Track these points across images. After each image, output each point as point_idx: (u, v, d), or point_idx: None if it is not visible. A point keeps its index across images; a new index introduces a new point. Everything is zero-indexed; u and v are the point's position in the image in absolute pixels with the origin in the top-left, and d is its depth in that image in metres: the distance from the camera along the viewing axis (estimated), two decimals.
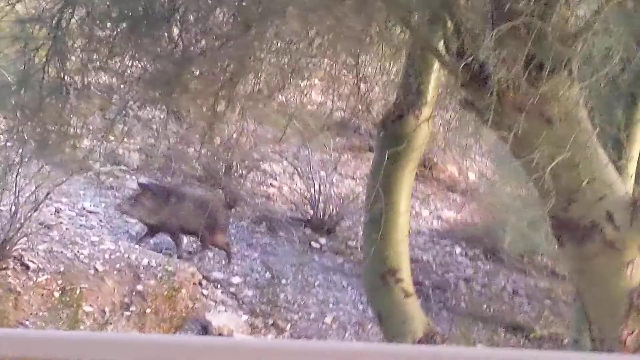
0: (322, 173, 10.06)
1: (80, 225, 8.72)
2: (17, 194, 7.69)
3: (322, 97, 9.49)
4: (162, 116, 7.89)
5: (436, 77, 5.03)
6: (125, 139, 8.79)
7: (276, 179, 10.69)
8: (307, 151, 9.98)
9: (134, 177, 9.62)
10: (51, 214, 8.64)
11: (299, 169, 10.22)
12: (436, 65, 4.91)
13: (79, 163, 8.17)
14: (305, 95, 7.32)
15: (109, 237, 8.65)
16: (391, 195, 4.94)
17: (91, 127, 5.97)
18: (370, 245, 4.96)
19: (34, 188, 7.81)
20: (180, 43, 4.86)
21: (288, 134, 9.92)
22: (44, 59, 5.11)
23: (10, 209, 7.72)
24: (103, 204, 9.32)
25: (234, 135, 8.46)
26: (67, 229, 8.53)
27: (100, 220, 9.02)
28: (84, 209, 9.14)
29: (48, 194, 7.95)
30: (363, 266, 5.57)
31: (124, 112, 5.20)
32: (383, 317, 4.92)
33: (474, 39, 3.66)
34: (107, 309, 7.83)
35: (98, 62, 5.15)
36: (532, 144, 3.66)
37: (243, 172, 10.38)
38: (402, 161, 4.99)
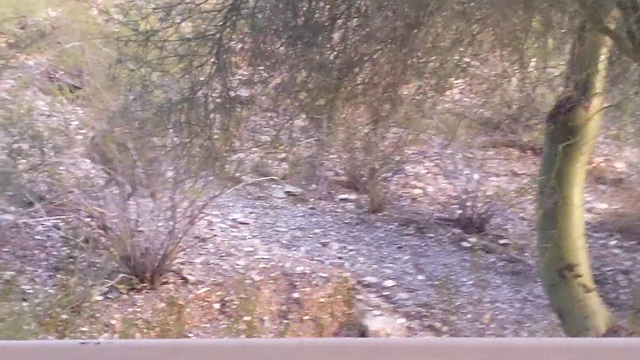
0: (467, 171, 10.02)
1: (234, 237, 8.94)
2: (174, 210, 7.91)
3: (462, 94, 9.58)
4: (303, 124, 8.08)
5: (604, 66, 4.94)
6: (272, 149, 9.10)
7: (420, 180, 10.70)
8: (450, 150, 9.94)
9: (280, 187, 9.84)
10: (205, 227, 8.87)
11: (443, 168, 10.19)
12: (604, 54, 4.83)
13: (230, 176, 8.43)
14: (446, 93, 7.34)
15: (262, 247, 8.83)
16: (564, 189, 4.89)
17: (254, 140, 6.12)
18: (545, 241, 4.92)
19: (187, 204, 8.01)
20: (342, 49, 4.94)
21: (430, 133, 10.05)
22: (209, 75, 5.29)
23: (168, 225, 7.92)
24: (253, 215, 9.52)
25: (377, 140, 8.62)
26: (221, 241, 8.76)
27: (252, 231, 9.23)
28: (235, 220, 9.36)
29: (203, 207, 8.12)
30: (539, 263, 5.51)
31: (288, 125, 5.32)
32: (564, 313, 4.88)
33: None
34: (265, 318, 7.96)
35: (261, 75, 5.30)
36: None
37: (387, 175, 10.43)
38: (574, 154, 4.94)
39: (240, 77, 5.55)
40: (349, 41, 4.97)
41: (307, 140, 9.58)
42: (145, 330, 7.52)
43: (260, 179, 9.83)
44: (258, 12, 5.01)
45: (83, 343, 1.72)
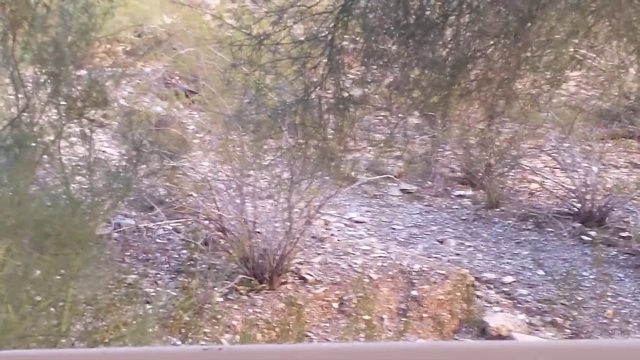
0: (585, 164, 9.88)
1: (350, 236, 9.03)
2: (290, 211, 7.98)
3: (578, 87, 9.44)
4: (417, 122, 8.10)
5: None
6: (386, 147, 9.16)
7: (538, 175, 10.62)
8: (568, 143, 9.81)
9: (395, 185, 9.87)
10: (321, 227, 8.98)
11: (560, 162, 10.10)
12: None
13: (345, 175, 8.50)
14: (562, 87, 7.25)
15: (378, 246, 8.85)
16: None
17: (368, 139, 6.18)
18: None
19: (303, 204, 8.09)
20: (455, 46, 4.94)
21: (546, 127, 9.94)
22: (322, 76, 5.37)
23: (285, 226, 7.99)
24: (369, 213, 9.59)
25: (493, 135, 8.57)
26: (338, 240, 8.84)
27: (368, 230, 9.29)
28: (352, 219, 9.45)
29: (320, 207, 8.20)
30: None
31: (402, 123, 5.35)
32: None
33: None
34: (384, 316, 7.98)
35: (374, 75, 5.35)
36: None
37: (503, 170, 10.35)
38: None
39: (353, 77, 5.61)
40: (462, 37, 4.96)
41: (422, 137, 9.58)
42: (265, 331, 7.62)
43: (376, 177, 9.92)
44: (369, 12, 5.05)
45: (205, 349, 1.69)
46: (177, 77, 12.02)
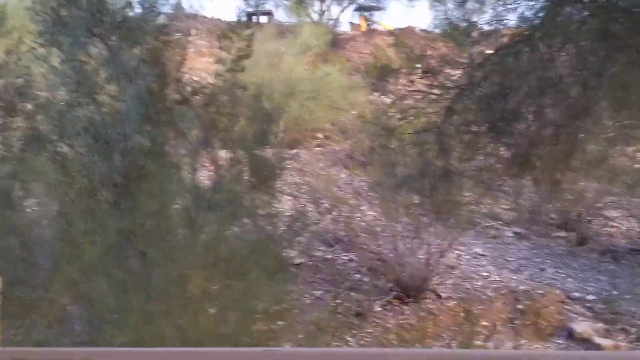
0: None
1: (475, 265, 11.20)
2: (428, 247, 10.23)
3: None
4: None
5: None
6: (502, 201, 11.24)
7: (616, 220, 12.65)
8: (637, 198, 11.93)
9: (509, 228, 12.31)
10: (454, 258, 11.23)
11: (633, 212, 12.20)
12: None
13: (469, 221, 10.86)
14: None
15: (495, 272, 11.03)
16: None
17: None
18: None
19: (437, 241, 10.23)
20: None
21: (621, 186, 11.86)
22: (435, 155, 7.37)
23: (425, 258, 10.23)
24: (490, 249, 11.86)
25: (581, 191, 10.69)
26: (465, 267, 11.03)
27: (489, 261, 11.49)
28: (477, 253, 11.68)
29: (450, 245, 10.42)
30: None
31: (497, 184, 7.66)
32: None
33: None
34: (497, 324, 9.77)
35: (472, 152, 7.26)
36: None
37: (590, 217, 12.50)
38: None
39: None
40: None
41: (530, 194, 11.73)
42: (411, 332, 9.43)
43: (494, 222, 12.29)
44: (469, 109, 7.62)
45: (267, 351, 1.68)
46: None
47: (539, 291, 10.51)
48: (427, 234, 10.18)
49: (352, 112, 16.28)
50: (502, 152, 7.43)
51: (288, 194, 12.65)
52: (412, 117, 7.60)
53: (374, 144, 10.90)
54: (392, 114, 8.13)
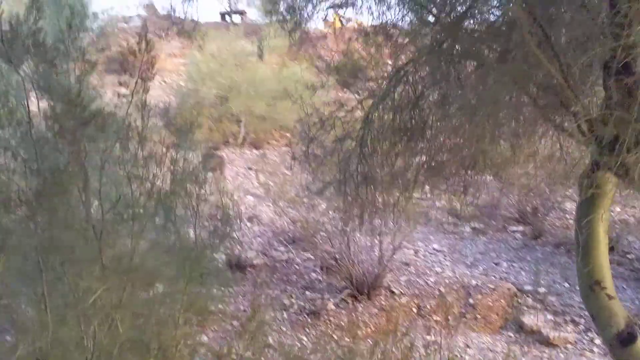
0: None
1: (431, 261, 11.31)
2: (380, 243, 10.31)
3: None
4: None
5: None
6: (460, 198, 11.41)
7: (571, 214, 12.63)
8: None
9: (466, 224, 12.49)
10: (410, 255, 11.36)
11: None
12: None
13: (422, 217, 10.95)
14: None
15: (449, 267, 11.13)
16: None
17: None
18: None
19: (389, 238, 10.31)
20: None
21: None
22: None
23: (378, 254, 10.31)
24: (447, 244, 11.98)
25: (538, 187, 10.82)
26: (419, 264, 11.12)
27: (445, 256, 11.59)
28: (434, 248, 11.80)
29: (401, 242, 10.45)
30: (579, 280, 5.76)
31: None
32: (594, 316, 5.27)
33: None
34: (450, 318, 9.87)
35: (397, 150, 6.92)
36: None
37: (545, 211, 12.63)
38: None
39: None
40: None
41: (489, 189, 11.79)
42: (364, 328, 9.50)
43: (453, 219, 12.44)
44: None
45: None
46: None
47: (491, 285, 10.62)
48: (379, 232, 10.22)
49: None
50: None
51: (252, 194, 12.78)
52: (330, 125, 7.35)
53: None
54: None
